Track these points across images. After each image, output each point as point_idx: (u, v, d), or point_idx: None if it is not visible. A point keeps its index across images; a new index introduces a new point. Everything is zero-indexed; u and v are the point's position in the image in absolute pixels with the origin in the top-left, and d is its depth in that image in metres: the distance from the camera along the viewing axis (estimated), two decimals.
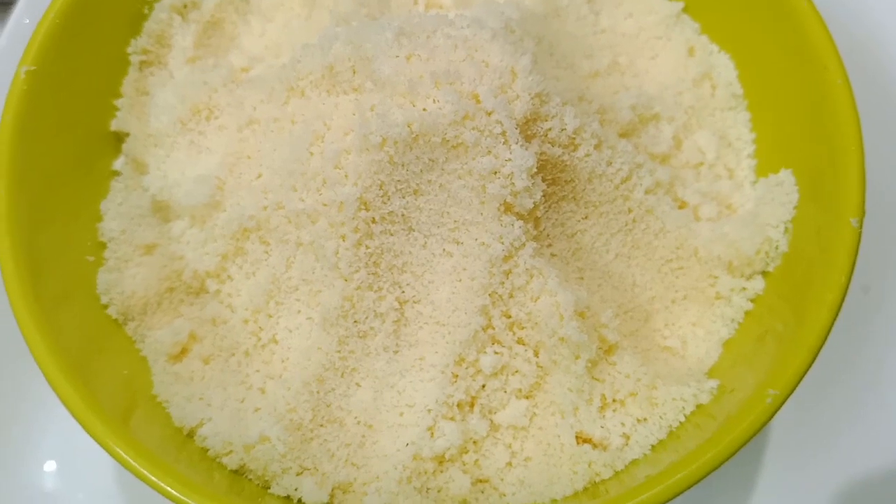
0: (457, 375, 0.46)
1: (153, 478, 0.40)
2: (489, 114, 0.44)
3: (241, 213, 0.49)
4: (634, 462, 0.45)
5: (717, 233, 0.51)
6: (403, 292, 0.48)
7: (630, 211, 0.51)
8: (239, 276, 0.51)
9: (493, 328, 0.47)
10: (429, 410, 0.46)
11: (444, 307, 0.47)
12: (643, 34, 0.58)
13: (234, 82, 0.55)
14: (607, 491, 0.43)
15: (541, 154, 0.46)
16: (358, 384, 0.47)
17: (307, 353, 0.48)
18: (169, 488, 0.39)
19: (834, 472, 0.54)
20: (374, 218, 0.46)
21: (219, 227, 0.50)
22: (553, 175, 0.48)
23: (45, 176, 0.50)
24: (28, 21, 0.66)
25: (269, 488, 0.45)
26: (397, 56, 0.45)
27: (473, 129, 0.44)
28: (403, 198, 0.46)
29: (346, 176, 0.46)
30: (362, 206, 0.45)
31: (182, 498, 0.39)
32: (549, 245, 0.50)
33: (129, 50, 0.56)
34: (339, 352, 0.47)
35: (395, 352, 0.47)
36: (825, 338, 0.41)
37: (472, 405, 0.47)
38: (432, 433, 0.46)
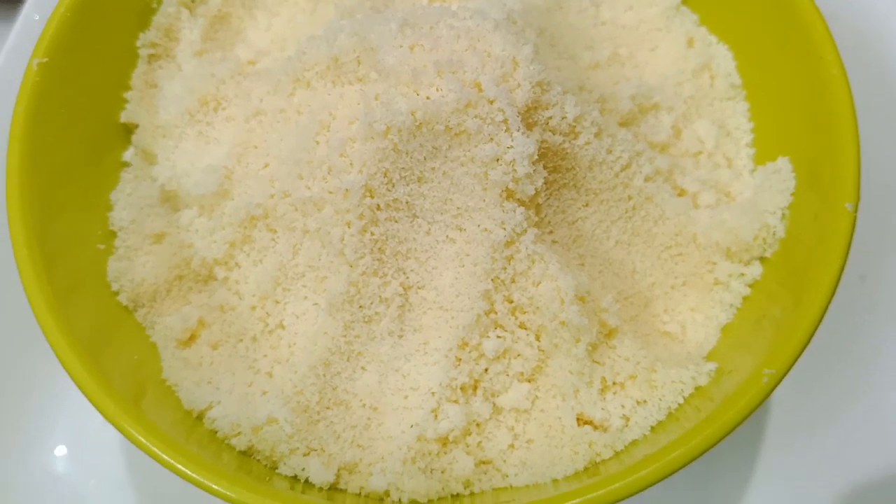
0: (460, 359, 0.47)
1: (165, 457, 0.40)
2: (491, 102, 0.45)
3: (248, 202, 0.50)
4: (634, 442, 0.46)
5: (716, 219, 0.51)
6: (408, 278, 0.49)
7: (630, 198, 0.51)
8: (246, 264, 0.52)
9: (496, 313, 0.48)
10: (433, 393, 0.47)
11: (447, 292, 0.48)
12: (643, 26, 0.59)
13: (241, 74, 0.56)
14: (607, 470, 0.44)
15: (542, 142, 0.47)
16: (363, 368, 0.48)
17: (314, 337, 0.49)
18: (181, 467, 0.40)
19: (832, 456, 0.55)
20: (378, 205, 0.47)
21: (227, 215, 0.51)
22: (554, 163, 0.49)
23: (57, 167, 0.51)
24: (38, 17, 0.68)
25: (277, 468, 0.46)
26: (401, 46, 0.46)
27: (476, 117, 0.45)
28: (408, 185, 0.47)
29: (351, 164, 0.47)
30: (367, 194, 0.46)
31: (194, 476, 0.40)
32: (551, 232, 0.51)
33: (138, 43, 0.57)
34: (344, 336, 0.48)
35: (400, 336, 0.48)
36: (821, 317, 0.42)
37: (475, 388, 0.48)
38: (436, 415, 0.47)
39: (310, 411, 0.47)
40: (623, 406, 0.47)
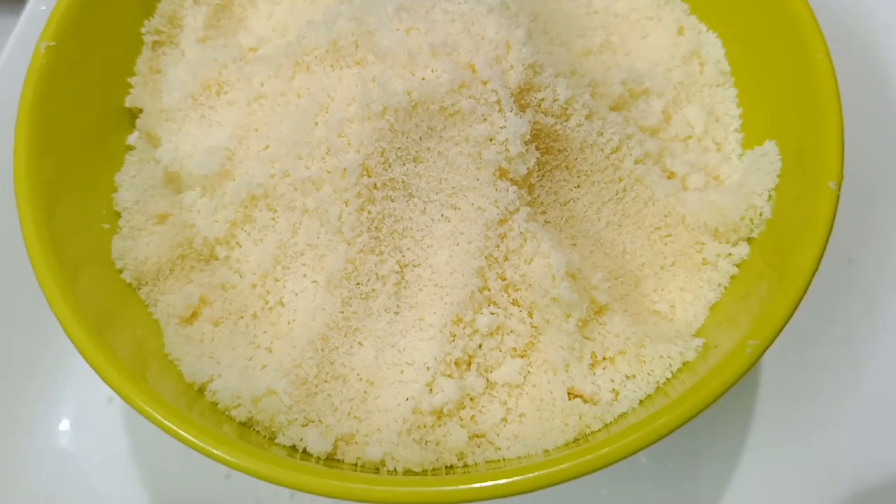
0: (454, 335, 0.49)
1: (169, 423, 0.42)
2: (485, 83, 0.46)
3: (249, 182, 0.51)
4: (623, 415, 0.47)
5: (704, 201, 0.53)
6: (404, 256, 0.50)
7: (621, 180, 0.53)
8: (247, 243, 0.53)
9: (489, 290, 0.49)
10: (428, 368, 0.48)
11: (442, 270, 0.49)
12: (634, 14, 0.61)
13: (242, 60, 0.57)
14: (596, 440, 0.45)
15: (534, 123, 0.49)
16: (360, 343, 0.50)
17: (312, 314, 0.50)
18: (185, 434, 0.41)
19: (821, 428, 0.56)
20: (375, 184, 0.48)
21: (228, 195, 0.53)
22: (546, 144, 0.50)
23: (63, 149, 0.52)
24: (44, 8, 0.69)
25: (276, 439, 0.47)
26: (397, 30, 0.48)
27: (470, 97, 0.46)
28: (404, 164, 0.48)
29: (349, 144, 0.48)
30: (364, 173, 0.48)
31: (197, 442, 0.41)
32: (543, 213, 0.52)
33: (143, 30, 0.59)
34: (342, 312, 0.49)
35: (396, 312, 0.50)
36: (805, 289, 0.43)
37: (469, 363, 0.49)
38: (431, 389, 0.48)
39: (308, 384, 0.48)
40: (612, 380, 0.49)
